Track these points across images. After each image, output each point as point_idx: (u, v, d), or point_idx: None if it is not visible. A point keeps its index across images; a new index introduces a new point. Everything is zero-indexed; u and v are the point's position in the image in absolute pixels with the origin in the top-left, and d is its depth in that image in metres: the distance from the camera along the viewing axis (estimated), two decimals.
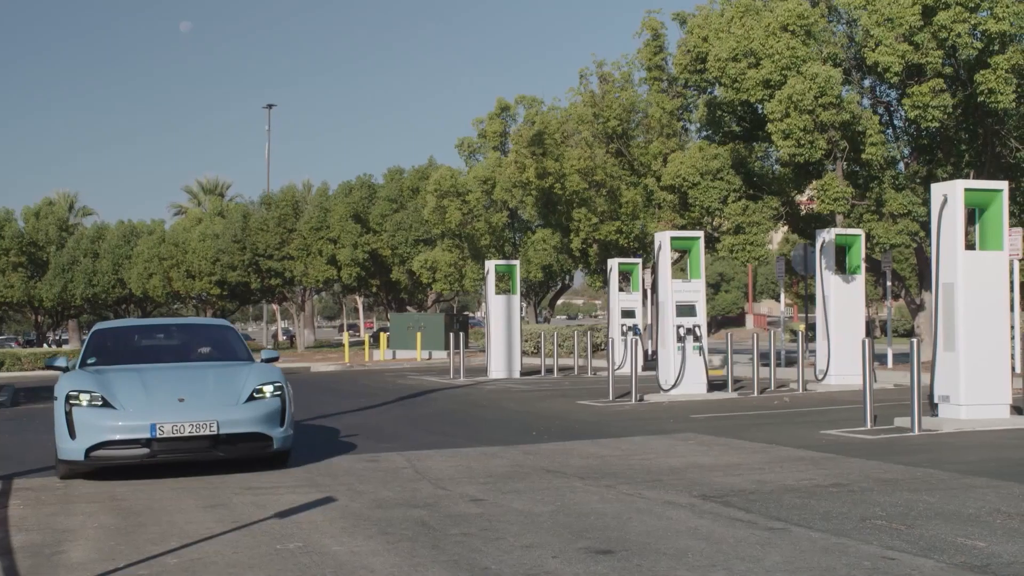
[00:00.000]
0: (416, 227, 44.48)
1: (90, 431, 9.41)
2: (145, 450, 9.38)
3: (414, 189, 45.91)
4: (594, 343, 29.73)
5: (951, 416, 12.63)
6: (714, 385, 18.69)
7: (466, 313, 63.66)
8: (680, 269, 22.50)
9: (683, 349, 18.15)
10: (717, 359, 24.87)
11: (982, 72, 19.41)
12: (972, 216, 13.53)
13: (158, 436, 9.35)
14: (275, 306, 56.82)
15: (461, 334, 26.76)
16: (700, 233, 19.57)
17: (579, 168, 30.52)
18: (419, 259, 40.78)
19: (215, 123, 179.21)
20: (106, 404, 9.54)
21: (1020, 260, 19.76)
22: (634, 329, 24.77)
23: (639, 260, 27.56)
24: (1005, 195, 13.24)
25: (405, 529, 7.17)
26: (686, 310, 18.38)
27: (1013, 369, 15.15)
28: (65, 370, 10.70)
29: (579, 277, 44.26)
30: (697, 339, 18.24)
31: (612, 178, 30.47)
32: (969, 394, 12.61)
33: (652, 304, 25.30)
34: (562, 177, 30.92)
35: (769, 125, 20.59)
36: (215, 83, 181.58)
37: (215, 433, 9.50)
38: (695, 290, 18.65)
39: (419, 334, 36.26)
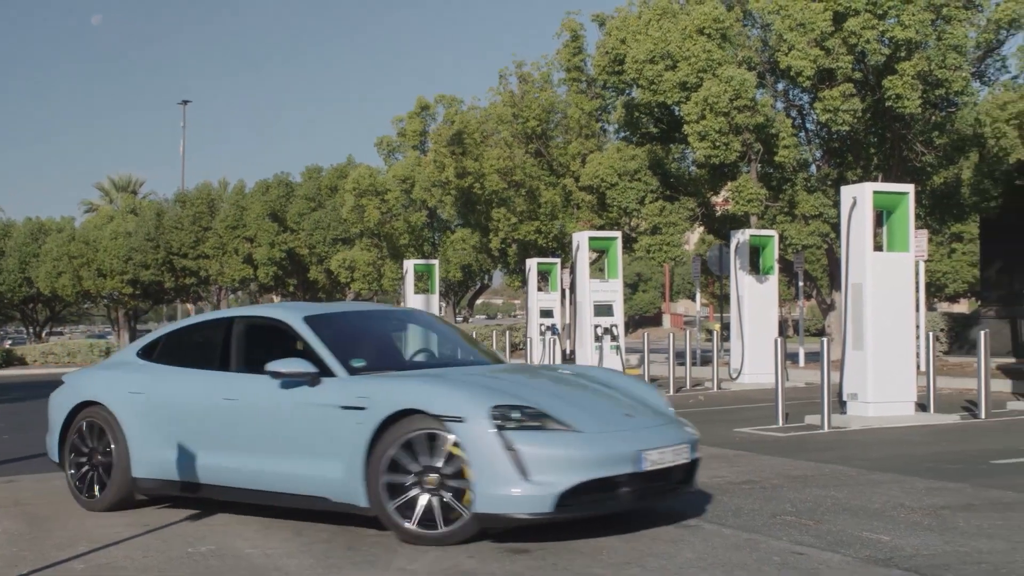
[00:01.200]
0: (334, 226, 44.11)
1: (557, 468, 6.31)
2: (626, 490, 6.55)
3: (332, 188, 45.52)
4: (513, 342, 29.81)
5: (859, 414, 12.94)
6: None
7: None
8: (598, 269, 22.68)
9: (601, 348, 18.32)
10: (634, 358, 25.11)
11: (890, 78, 19.91)
12: (880, 218, 13.87)
13: (644, 470, 6.59)
14: (190, 306, 55.90)
15: None
16: (618, 233, 19.79)
17: (498, 168, 30.57)
18: (337, 258, 40.45)
19: (128, 119, 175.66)
20: (548, 424, 6.50)
21: (926, 261, 20.32)
22: (552, 329, 24.89)
23: (558, 260, 27.71)
24: (911, 198, 13.59)
25: (319, 531, 7.11)
26: (604, 310, 18.57)
27: (918, 368, 15.58)
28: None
29: (498, 277, 44.36)
30: (614, 338, 18.43)
31: (531, 178, 30.58)
32: (876, 392, 12.93)
33: (570, 304, 25.47)
34: (481, 177, 30.95)
35: (685, 127, 20.86)
36: (129, 78, 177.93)
37: (688, 461, 7.02)
38: (613, 290, 18.84)
39: None
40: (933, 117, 21.73)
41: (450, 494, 6.42)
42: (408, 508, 6.48)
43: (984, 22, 21.03)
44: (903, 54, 19.99)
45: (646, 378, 18.84)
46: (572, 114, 28.82)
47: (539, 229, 31.12)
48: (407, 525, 6.48)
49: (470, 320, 48.42)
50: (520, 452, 6.27)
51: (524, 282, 28.88)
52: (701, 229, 28.43)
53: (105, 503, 8.11)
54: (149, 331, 20.24)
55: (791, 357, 24.40)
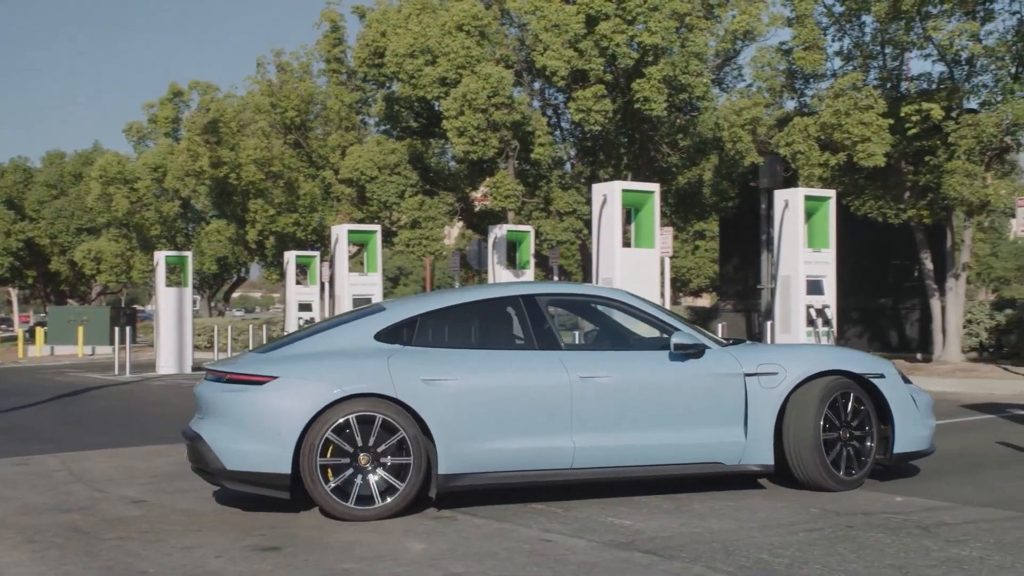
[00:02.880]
0: (79, 215, 41.83)
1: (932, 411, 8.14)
2: None
3: (77, 175, 43.15)
4: (271, 336, 29.16)
5: None
6: None
7: (135, 306, 60.56)
8: (359, 262, 22.54)
9: None
10: None
11: (638, 81, 20.82)
12: (629, 215, 14.48)
13: None
14: None
15: (128, 328, 25.43)
16: (377, 227, 19.74)
17: (256, 158, 29.85)
18: (82, 249, 38.36)
19: None
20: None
21: (671, 257, 21.40)
22: (310, 323, 24.55)
23: (317, 253, 27.34)
24: (657, 197, 14.26)
25: (55, 536, 6.71)
26: (363, 303, 18.48)
27: None
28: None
29: (255, 270, 43.30)
30: None
31: (290, 169, 30.04)
32: None
33: (330, 297, 25.19)
34: (238, 167, 30.12)
35: (445, 122, 21.07)
36: None
37: None
38: (372, 283, 18.78)
39: (81, 328, 34.09)
40: (678, 120, 22.91)
41: (857, 445, 7.68)
42: (837, 460, 7.59)
43: (723, 32, 22.36)
44: (651, 59, 20.95)
45: None
46: (332, 106, 28.51)
47: (298, 221, 30.61)
48: (841, 475, 7.60)
49: (225, 314, 47.04)
50: (917, 401, 7.89)
51: (282, 275, 28.33)
52: (461, 224, 28.78)
53: (389, 511, 6.95)
54: None
55: None
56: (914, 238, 20.35)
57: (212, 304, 45.21)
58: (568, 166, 25.02)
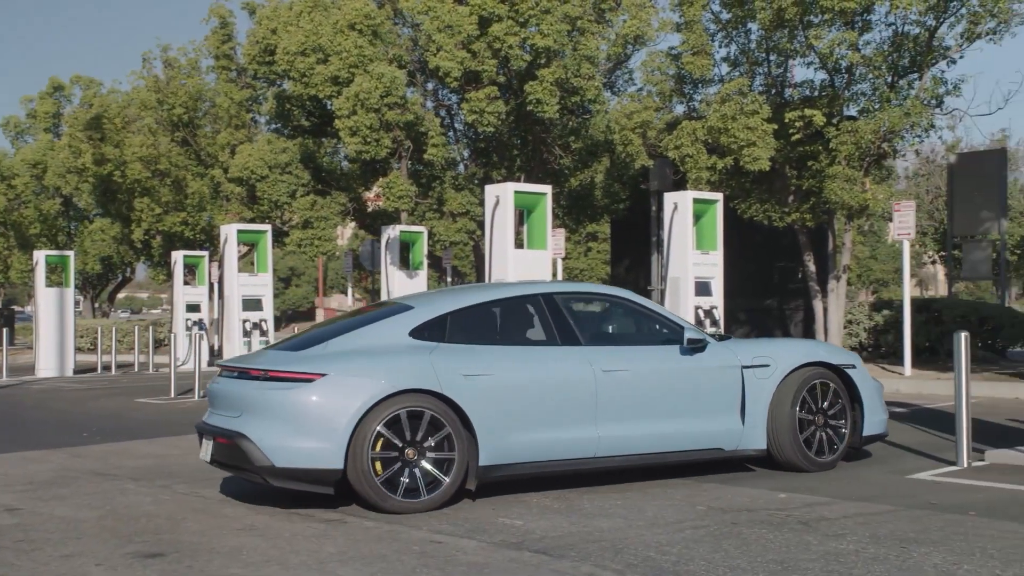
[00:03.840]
0: None
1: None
2: None
3: None
4: (157, 338, 28.47)
5: None
6: None
7: (13, 307, 58.46)
8: (249, 263, 22.18)
9: (249, 344, 17.94)
10: None
11: (531, 83, 20.95)
12: (522, 217, 14.56)
13: None
14: None
15: (4, 329, 24.54)
16: (268, 227, 19.46)
17: (142, 156, 29.12)
18: None
19: None
20: None
21: (563, 259, 21.59)
22: (199, 324, 24.06)
23: (206, 253, 26.81)
24: (549, 198, 14.37)
25: None
26: (253, 304, 18.20)
27: None
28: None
29: (142, 270, 42.22)
30: (264, 333, 18.11)
31: (178, 168, 29.39)
32: None
33: (219, 298, 24.74)
34: (123, 164, 29.34)
35: (337, 121, 20.88)
36: None
37: None
38: (262, 284, 18.51)
39: None
40: (570, 122, 23.12)
41: (831, 431, 8.46)
42: (809, 442, 8.34)
43: (614, 36, 22.66)
44: (543, 61, 21.11)
45: None
46: (221, 103, 27.99)
47: (186, 221, 29.97)
48: (812, 455, 8.35)
49: (110, 315, 45.72)
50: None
51: (169, 275, 27.70)
52: (354, 224, 28.54)
53: (434, 503, 7.15)
54: None
55: None
56: (798, 241, 20.91)
57: (96, 305, 43.95)
58: (461, 167, 25.03)
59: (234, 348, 17.77)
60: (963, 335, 8.46)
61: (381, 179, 22.70)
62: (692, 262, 15.65)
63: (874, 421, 8.66)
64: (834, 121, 19.24)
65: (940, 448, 9.18)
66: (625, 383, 7.83)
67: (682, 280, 15.65)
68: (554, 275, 19.19)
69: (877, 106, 19.00)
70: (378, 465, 7.02)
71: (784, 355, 8.41)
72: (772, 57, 20.84)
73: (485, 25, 20.65)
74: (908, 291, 16.26)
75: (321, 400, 7.06)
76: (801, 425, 8.27)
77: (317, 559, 5.93)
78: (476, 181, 23.97)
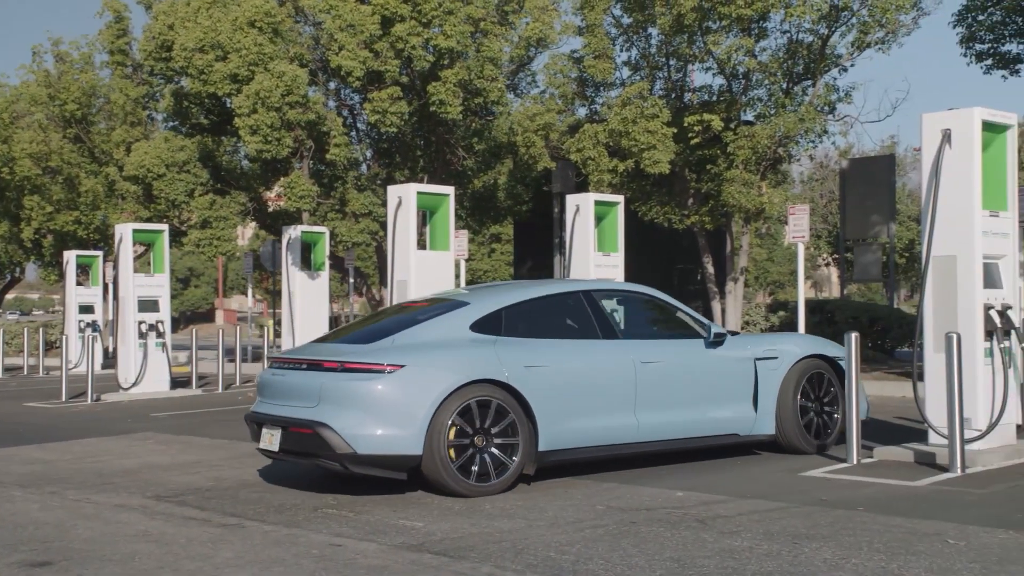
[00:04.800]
0: None
1: None
2: None
3: None
4: (48, 340, 27.62)
5: None
6: (178, 382, 18.27)
7: None
8: (146, 263, 21.66)
9: (145, 346, 17.55)
10: (184, 355, 24.31)
11: (434, 84, 20.90)
12: (425, 218, 14.51)
13: None
14: None
15: None
16: (165, 226, 19.03)
17: (32, 152, 28.21)
18: None
19: None
20: None
21: (467, 260, 21.59)
22: (93, 325, 23.42)
23: (100, 253, 26.12)
24: (452, 199, 14.35)
25: None
26: (149, 305, 17.79)
27: None
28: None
29: (32, 270, 40.89)
30: (160, 335, 17.72)
31: (70, 165, 28.55)
32: None
33: (114, 299, 24.11)
34: (11, 161, 28.37)
35: (237, 120, 20.52)
36: None
37: None
38: (159, 284, 18.11)
39: None
40: (473, 124, 23.13)
41: (826, 416, 9.37)
42: (809, 427, 9.22)
43: (517, 39, 22.76)
44: (446, 62, 21.08)
45: (194, 376, 18.33)
46: (116, 99, 27.28)
47: (79, 220, 29.13)
48: (812, 439, 9.21)
49: None
50: None
51: (61, 276, 26.91)
52: (254, 224, 28.09)
53: (503, 486, 7.71)
54: None
55: None
56: (697, 243, 21.27)
57: None
58: (364, 167, 24.82)
59: (129, 350, 17.36)
60: (853, 336, 8.71)
61: (282, 179, 22.37)
62: (594, 264, 15.80)
63: (863, 408, 9.34)
64: (732, 126, 19.62)
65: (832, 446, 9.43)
66: (660, 373, 8.52)
67: None
68: (456, 277, 19.19)
69: (773, 112, 19.44)
70: (452, 451, 7.50)
71: (789, 348, 9.27)
72: (672, 62, 21.16)
73: (388, 25, 20.53)
74: (803, 293, 16.67)
75: (401, 390, 7.47)
76: (802, 411, 9.16)
77: (213, 564, 5.84)
78: (379, 182, 23.81)
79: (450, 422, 7.49)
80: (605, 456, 8.33)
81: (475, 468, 7.57)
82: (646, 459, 8.77)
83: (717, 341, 8.92)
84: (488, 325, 8.13)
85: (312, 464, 7.99)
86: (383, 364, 7.55)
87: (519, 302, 8.48)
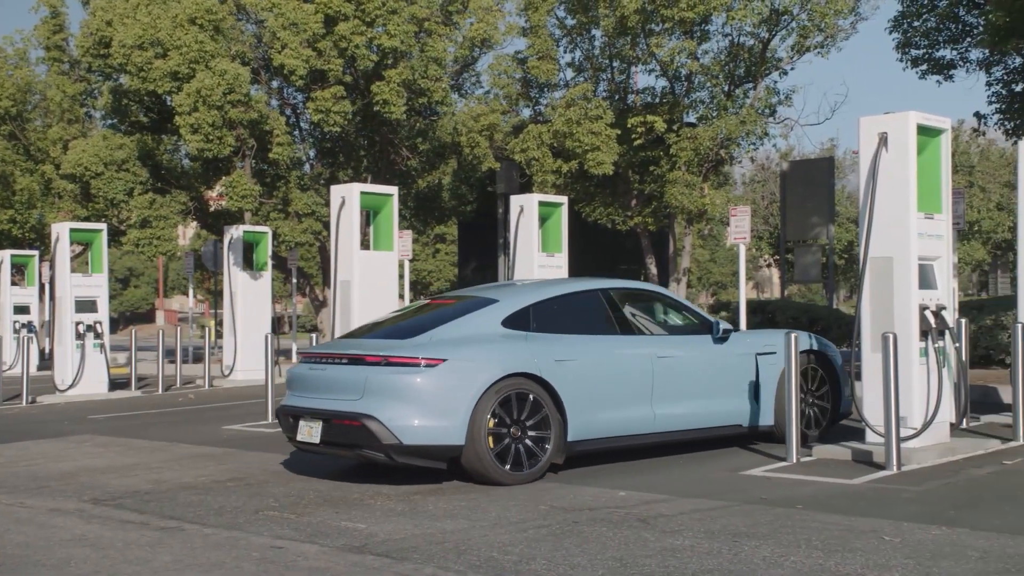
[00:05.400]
0: None
1: None
2: None
3: None
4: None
5: None
6: (117, 384, 18.00)
7: None
8: (84, 263, 21.30)
9: (83, 347, 17.26)
10: (123, 356, 23.94)
11: (378, 83, 20.81)
12: (369, 218, 14.44)
13: None
14: None
15: None
16: (103, 226, 18.71)
17: None
18: None
19: None
20: None
21: (411, 260, 21.52)
22: (28, 326, 23.00)
23: (36, 252, 25.63)
24: (395, 200, 14.30)
25: None
26: (87, 305, 17.50)
27: None
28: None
29: None
30: (98, 336, 17.44)
31: (5, 163, 27.97)
32: None
33: (50, 300, 23.69)
34: None
35: (178, 118, 20.27)
36: None
37: None
38: (97, 285, 17.82)
39: None
40: (417, 124, 23.07)
41: (817, 409, 9.73)
42: (803, 418, 9.40)
43: (461, 39, 22.74)
44: (390, 62, 21.00)
45: (133, 377, 18.07)
46: (53, 96, 26.80)
47: (14, 219, 28.55)
48: (805, 430, 9.37)
49: None
50: None
51: None
52: (196, 224, 27.74)
53: (537, 474, 8.07)
54: None
55: (284, 353, 24.65)
56: (640, 244, 21.42)
57: None
58: (307, 167, 24.64)
59: (66, 351, 17.06)
60: (793, 336, 8.83)
61: (224, 178, 22.12)
62: (538, 264, 15.81)
63: (847, 399, 9.78)
64: (674, 127, 19.80)
65: (771, 445, 9.54)
66: (674, 368, 8.93)
67: None
68: (401, 278, 19.12)
69: (715, 114, 19.65)
70: (491, 441, 7.83)
71: (785, 344, 9.29)
72: (615, 63, 21.30)
73: (331, 24, 20.41)
74: (744, 293, 16.85)
75: (444, 383, 7.82)
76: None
77: (151, 568, 5.76)
78: (322, 181, 23.65)
79: (490, 413, 7.85)
80: (624, 446, 8.74)
81: (511, 457, 7.93)
82: (590, 459, 8.81)
83: (723, 337, 9.34)
84: (518, 321, 8.52)
85: (249, 467, 7.90)
86: (426, 358, 7.87)
87: (545, 299, 8.87)
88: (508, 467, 7.91)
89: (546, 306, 8.81)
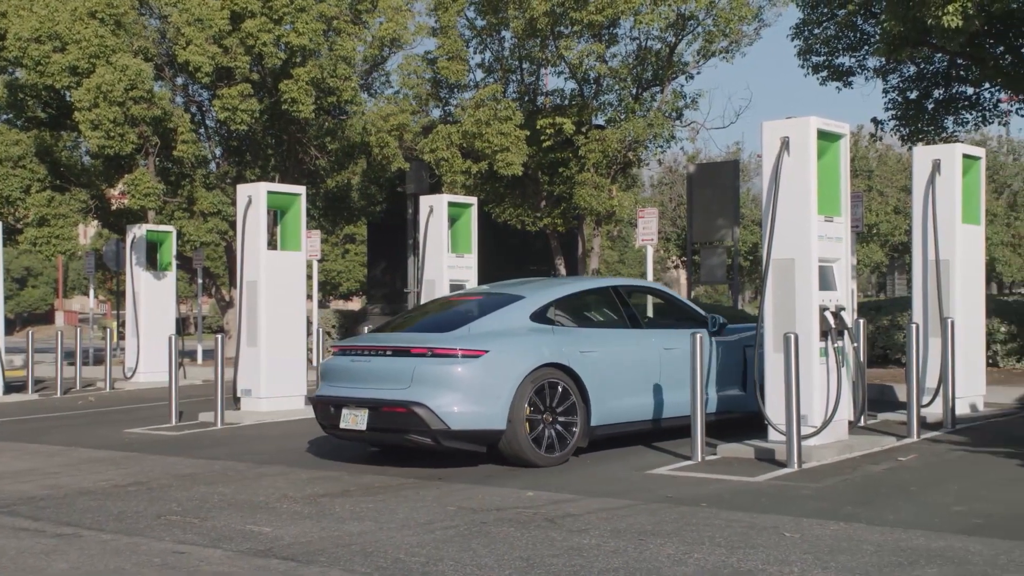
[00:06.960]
0: None
1: None
2: None
3: None
4: None
5: (253, 409, 13.18)
6: (13, 387, 17.49)
7: None
8: None
9: None
10: (19, 359, 23.23)
11: (286, 82, 20.55)
12: (276, 217, 14.25)
13: None
14: None
15: None
16: None
17: None
18: None
19: None
20: None
21: (320, 261, 21.30)
22: None
23: None
24: (303, 199, 14.14)
25: None
26: None
27: (310, 362, 16.29)
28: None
29: None
30: None
31: None
32: (269, 387, 13.25)
33: None
34: None
35: (77, 114, 19.75)
36: None
37: None
38: None
39: None
40: (326, 123, 22.84)
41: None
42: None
43: (371, 38, 22.59)
44: (298, 60, 20.76)
45: (30, 380, 17.56)
46: None
47: None
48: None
49: None
50: None
51: None
52: (97, 223, 27.05)
53: (566, 456, 8.80)
54: None
55: (190, 354, 24.21)
56: (550, 245, 21.54)
57: None
58: (213, 165, 24.22)
59: None
60: (698, 336, 8.97)
61: (126, 176, 21.61)
62: (447, 265, 15.77)
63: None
64: (583, 129, 19.95)
65: (677, 444, 9.68)
66: (677, 358, 9.52)
67: (437, 283, 15.75)
68: (310, 277, 18.90)
69: (623, 116, 19.87)
70: (527, 426, 8.53)
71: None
72: (525, 65, 21.38)
73: (238, 20, 20.09)
74: None
75: (488, 372, 8.51)
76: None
77: None
78: (228, 180, 23.26)
79: (527, 401, 8.53)
80: (637, 431, 9.51)
81: (545, 441, 8.65)
82: (496, 459, 8.82)
83: (718, 331, 10.06)
84: (543, 316, 9.26)
85: (151, 471, 7.74)
86: (471, 350, 8.56)
87: (566, 296, 9.70)
88: (543, 450, 8.63)
89: (567, 302, 9.67)
